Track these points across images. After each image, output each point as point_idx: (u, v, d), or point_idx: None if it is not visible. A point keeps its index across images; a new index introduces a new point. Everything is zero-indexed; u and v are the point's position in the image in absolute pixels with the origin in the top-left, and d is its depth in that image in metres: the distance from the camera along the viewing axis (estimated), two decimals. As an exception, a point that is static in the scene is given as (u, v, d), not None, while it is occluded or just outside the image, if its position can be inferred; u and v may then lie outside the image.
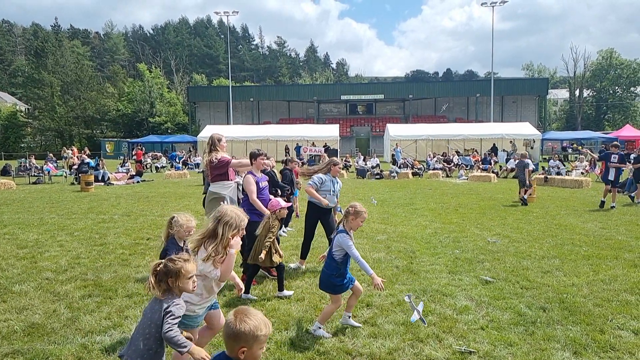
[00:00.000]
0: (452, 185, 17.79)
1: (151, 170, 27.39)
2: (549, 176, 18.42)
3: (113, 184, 18.68)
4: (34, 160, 22.50)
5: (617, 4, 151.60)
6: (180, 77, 75.74)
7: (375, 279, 3.85)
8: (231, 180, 5.96)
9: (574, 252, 6.91)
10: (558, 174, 19.82)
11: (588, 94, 67.09)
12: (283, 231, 8.39)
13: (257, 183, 5.63)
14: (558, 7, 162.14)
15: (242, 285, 3.56)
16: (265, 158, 6.13)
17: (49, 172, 20.84)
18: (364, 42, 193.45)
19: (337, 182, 6.16)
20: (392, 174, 21.35)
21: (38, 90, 52.98)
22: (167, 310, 2.54)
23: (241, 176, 6.19)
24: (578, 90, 66.95)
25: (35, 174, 20.39)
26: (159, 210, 11.44)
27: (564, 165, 21.71)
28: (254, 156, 5.79)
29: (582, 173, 19.78)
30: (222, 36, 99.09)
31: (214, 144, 5.88)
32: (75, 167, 20.74)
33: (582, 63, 66.35)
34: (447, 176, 22.47)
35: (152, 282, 2.62)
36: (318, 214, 6.09)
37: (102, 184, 18.38)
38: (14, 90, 70.17)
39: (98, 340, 3.96)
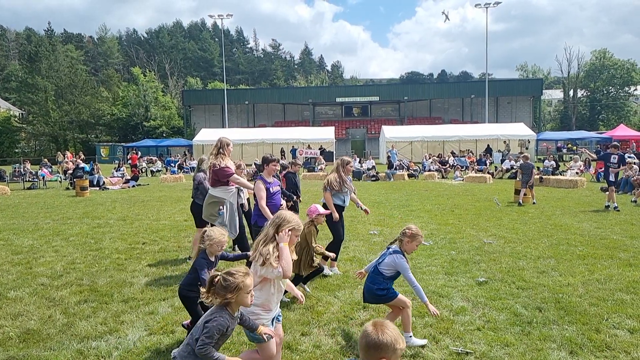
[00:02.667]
0: (448, 187, 17.83)
1: (146, 175, 27.30)
2: (544, 176, 18.50)
3: (108, 189, 18.60)
4: (28, 166, 22.38)
5: (610, 6, 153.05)
6: (174, 81, 75.59)
7: (429, 306, 3.79)
8: (232, 185, 5.96)
9: (569, 252, 6.95)
10: (553, 173, 19.95)
11: (582, 94, 67.52)
12: None
13: (267, 189, 5.57)
14: (551, 9, 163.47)
15: (302, 299, 3.49)
16: (278, 163, 6.10)
17: (43, 177, 20.73)
18: (359, 44, 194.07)
19: (349, 180, 6.23)
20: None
21: (32, 95, 52.68)
22: (206, 325, 2.59)
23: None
24: (572, 90, 67.37)
25: (30, 179, 20.29)
26: (155, 214, 11.40)
27: (557, 167, 21.82)
28: (266, 161, 5.73)
29: (577, 173, 19.89)
30: (217, 39, 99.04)
31: (222, 147, 5.90)
32: (70, 172, 20.65)
33: (575, 64, 66.87)
34: (443, 177, 22.52)
35: (205, 291, 2.68)
36: (339, 214, 6.07)
37: (97, 188, 18.29)
38: (7, 95, 69.70)
39: (94, 345, 3.94)
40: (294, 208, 8.77)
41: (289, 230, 3.19)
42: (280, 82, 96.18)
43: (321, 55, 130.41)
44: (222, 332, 2.62)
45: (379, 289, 3.92)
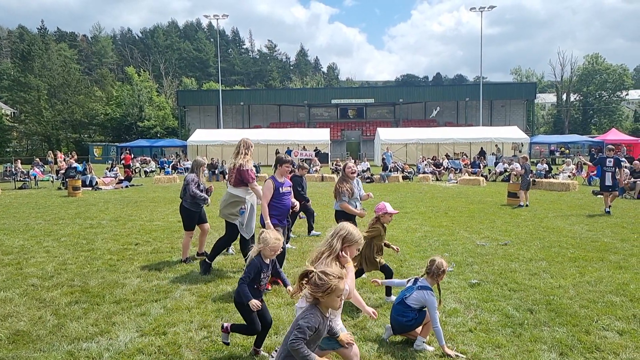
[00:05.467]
0: (442, 189, 17.90)
1: (140, 175, 27.16)
2: (536, 179, 18.62)
3: (101, 189, 18.48)
4: (20, 165, 22.20)
5: (602, 11, 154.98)
6: (169, 81, 75.34)
7: (445, 349, 3.74)
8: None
9: (560, 254, 7.00)
10: (546, 176, 20.09)
11: (575, 98, 68.13)
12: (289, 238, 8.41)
13: (277, 188, 5.54)
14: (545, 13, 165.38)
15: (374, 315, 3.40)
16: (291, 164, 6.09)
17: (35, 177, 20.57)
18: (354, 46, 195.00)
19: (359, 185, 6.19)
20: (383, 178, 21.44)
21: (24, 93, 52.29)
22: (297, 323, 2.60)
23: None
24: (565, 94, 67.96)
25: (21, 178, 20.12)
26: (148, 215, 11.35)
27: (550, 170, 21.95)
28: (279, 161, 5.73)
29: (569, 176, 20.05)
30: (212, 40, 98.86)
31: (247, 148, 6.01)
32: (62, 171, 20.50)
33: (569, 68, 67.51)
34: (437, 180, 22.60)
35: (297, 286, 2.69)
36: (348, 218, 6.00)
37: (90, 188, 18.18)
38: (-1, 94, 69.17)
39: (85, 347, 3.91)
40: (305, 208, 8.73)
41: (350, 246, 3.20)
42: (276, 83, 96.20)
43: (317, 56, 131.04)
44: (314, 329, 2.59)
45: (408, 321, 3.93)
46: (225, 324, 3.81)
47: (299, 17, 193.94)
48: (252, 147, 6.12)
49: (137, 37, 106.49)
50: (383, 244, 5.14)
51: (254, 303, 3.55)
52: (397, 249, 5.38)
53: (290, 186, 5.86)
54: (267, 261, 3.64)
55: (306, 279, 2.67)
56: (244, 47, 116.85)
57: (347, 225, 3.29)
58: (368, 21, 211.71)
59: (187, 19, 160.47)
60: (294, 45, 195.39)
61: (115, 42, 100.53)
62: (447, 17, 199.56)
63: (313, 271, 2.65)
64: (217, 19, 47.10)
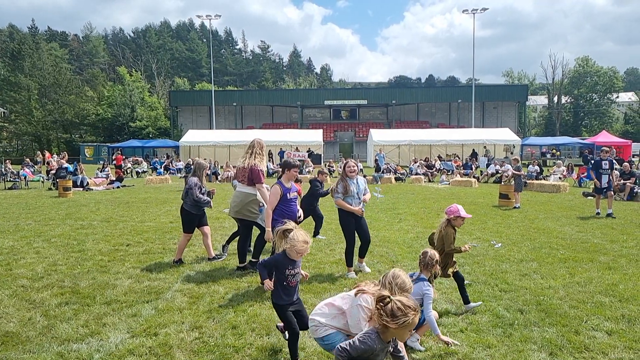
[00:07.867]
0: (434, 190, 17.99)
1: (132, 176, 26.98)
2: (528, 181, 18.78)
3: (92, 190, 18.33)
4: (10, 165, 21.95)
5: (592, 14, 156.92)
6: (161, 81, 74.89)
7: (441, 337, 3.75)
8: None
9: (551, 255, 7.07)
10: (537, 178, 20.26)
11: (566, 101, 68.83)
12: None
13: (284, 194, 5.44)
14: (536, 15, 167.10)
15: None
16: (299, 169, 6.08)
17: (25, 178, 20.34)
18: (347, 47, 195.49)
19: (359, 183, 6.06)
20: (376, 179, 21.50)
21: (14, 93, 51.71)
22: (356, 339, 2.58)
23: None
24: (556, 96, 68.63)
25: (11, 179, 19.90)
26: (140, 216, 11.27)
27: (541, 172, 22.13)
28: (287, 166, 5.58)
29: (560, 178, 20.24)
30: (205, 40, 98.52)
31: (262, 148, 6.14)
32: (53, 172, 20.31)
33: (560, 70, 68.19)
34: (430, 181, 22.71)
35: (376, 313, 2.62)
36: (352, 218, 6.02)
37: (81, 189, 18.02)
38: (-11, 94, 68.27)
39: (75, 348, 3.88)
40: (313, 211, 8.63)
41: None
42: (269, 84, 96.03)
43: (310, 57, 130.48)
44: (366, 353, 2.54)
45: None
46: (279, 324, 3.97)
47: (292, 18, 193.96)
48: (264, 148, 6.25)
49: (128, 37, 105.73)
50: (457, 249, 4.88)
51: (267, 283, 3.61)
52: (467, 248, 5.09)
53: (297, 191, 5.75)
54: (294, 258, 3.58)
55: (381, 303, 2.59)
56: (237, 47, 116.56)
57: (401, 274, 3.24)
58: (361, 22, 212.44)
59: (180, 19, 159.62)
60: (287, 46, 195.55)
61: (106, 42, 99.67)
62: (439, 19, 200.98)
63: (390, 298, 2.55)
64: (210, 19, 46.92)
